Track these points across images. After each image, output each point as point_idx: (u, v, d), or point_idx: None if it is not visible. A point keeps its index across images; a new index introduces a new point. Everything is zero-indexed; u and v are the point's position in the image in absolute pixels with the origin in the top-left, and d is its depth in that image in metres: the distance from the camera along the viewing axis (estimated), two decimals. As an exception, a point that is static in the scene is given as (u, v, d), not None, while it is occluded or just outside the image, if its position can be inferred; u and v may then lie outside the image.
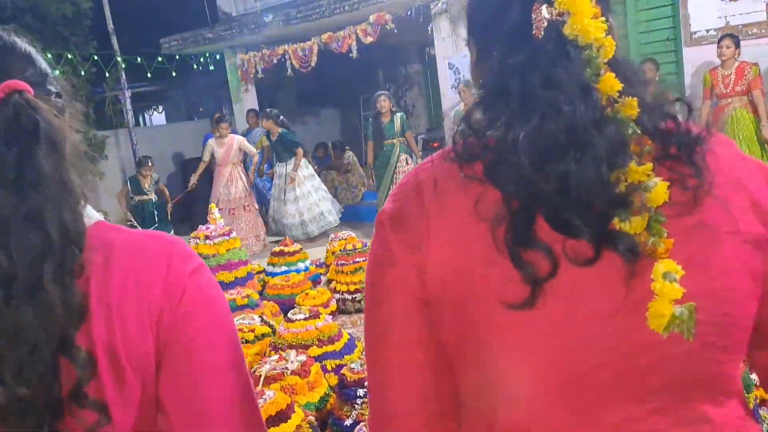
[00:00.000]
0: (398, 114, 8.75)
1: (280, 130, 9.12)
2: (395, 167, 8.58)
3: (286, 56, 11.06)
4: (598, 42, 0.83)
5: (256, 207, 9.50)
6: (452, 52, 9.68)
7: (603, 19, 0.84)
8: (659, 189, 0.79)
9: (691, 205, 0.83)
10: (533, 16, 0.87)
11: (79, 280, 0.85)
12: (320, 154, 12.68)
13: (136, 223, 8.42)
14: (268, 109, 9.56)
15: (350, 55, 10.20)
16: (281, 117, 9.25)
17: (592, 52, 0.83)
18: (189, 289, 0.94)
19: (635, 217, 0.80)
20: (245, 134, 10.58)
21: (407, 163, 8.67)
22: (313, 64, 10.82)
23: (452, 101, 9.72)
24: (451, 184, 0.90)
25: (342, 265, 5.47)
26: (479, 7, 0.97)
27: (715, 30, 7.49)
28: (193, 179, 9.41)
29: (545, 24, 0.86)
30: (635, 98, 0.82)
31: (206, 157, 9.28)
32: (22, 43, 0.95)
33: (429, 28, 9.81)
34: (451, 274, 0.87)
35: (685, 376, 0.86)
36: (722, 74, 6.99)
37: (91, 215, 0.96)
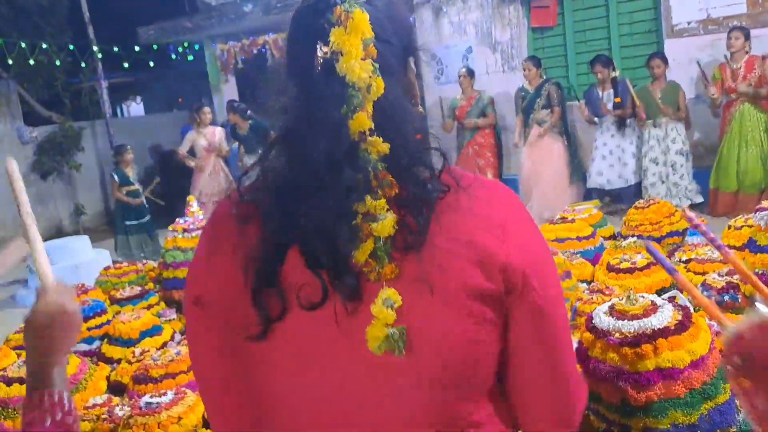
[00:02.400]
0: None
1: (249, 122, 8.98)
2: None
3: (266, 46, 10.96)
4: (362, 81, 0.90)
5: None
6: (435, 43, 9.63)
7: (371, 61, 0.91)
8: (387, 222, 0.88)
9: (414, 252, 0.90)
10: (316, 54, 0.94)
11: None
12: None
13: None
14: (234, 103, 9.29)
15: (331, 45, 10.10)
16: (248, 111, 9.09)
17: (355, 91, 0.90)
18: None
19: (363, 245, 0.89)
20: (225, 125, 10.46)
21: None
22: (293, 54, 10.70)
23: (435, 92, 9.69)
24: (227, 222, 1.01)
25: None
26: (289, 43, 1.02)
27: (696, 22, 7.51)
28: (182, 155, 9.04)
29: (320, 61, 0.93)
30: (380, 138, 0.89)
31: (184, 148, 8.89)
32: None
33: (411, 18, 9.76)
34: (220, 303, 1.01)
35: (415, 408, 0.95)
36: (731, 68, 6.80)
37: None
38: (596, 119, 7.70)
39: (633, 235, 5.06)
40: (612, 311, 1.79)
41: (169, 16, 12.01)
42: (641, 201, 6.08)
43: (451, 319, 0.92)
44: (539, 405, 1.05)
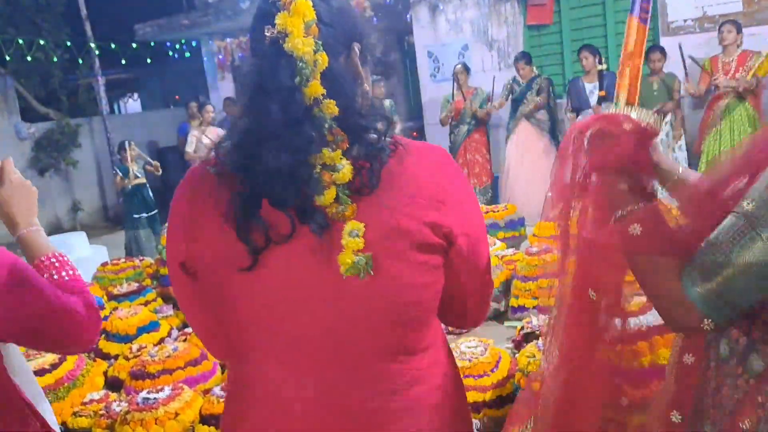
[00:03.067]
0: (387, 101, 8.67)
1: None
2: None
3: (263, 43, 10.94)
4: (308, 56, 1.06)
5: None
6: (431, 40, 9.64)
7: (313, 38, 1.07)
8: (345, 170, 1.06)
9: (369, 191, 1.08)
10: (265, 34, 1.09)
11: None
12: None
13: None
14: (233, 97, 9.30)
15: (328, 42, 10.11)
16: None
17: (303, 63, 1.06)
18: None
19: (326, 191, 1.05)
20: (221, 123, 10.46)
21: None
22: (290, 51, 10.71)
23: (431, 90, 9.70)
24: (204, 182, 1.17)
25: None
26: (251, 30, 1.19)
27: (692, 20, 7.52)
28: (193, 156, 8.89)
29: (268, 41, 1.08)
30: (333, 101, 1.06)
31: (192, 148, 8.62)
32: None
33: (408, 16, 9.77)
34: (198, 250, 1.16)
35: (378, 338, 1.13)
36: (723, 61, 6.75)
37: None
38: (573, 113, 7.59)
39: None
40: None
41: (167, 12, 11.99)
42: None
43: (404, 268, 1.11)
44: (472, 307, 1.33)
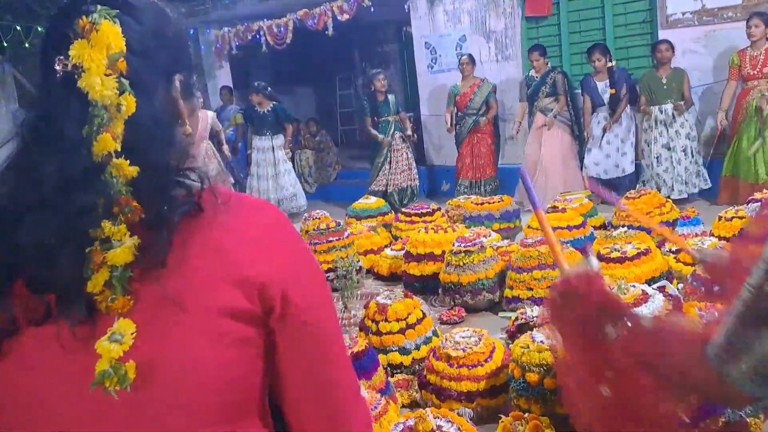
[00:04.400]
0: (390, 95, 8.69)
1: (272, 103, 9.05)
2: (390, 144, 8.55)
3: (261, 33, 10.93)
4: (106, 99, 0.85)
5: (232, 182, 9.39)
6: (429, 32, 9.62)
7: (120, 75, 0.86)
8: (124, 249, 0.83)
9: (158, 274, 0.85)
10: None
11: None
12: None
13: None
14: (256, 83, 9.34)
15: (326, 32, 10.11)
16: (269, 89, 9.17)
17: (98, 109, 0.84)
18: None
19: (96, 275, 0.83)
20: (219, 111, 10.45)
21: (404, 141, 8.66)
22: (288, 41, 10.71)
23: (429, 81, 9.69)
24: None
25: (315, 244, 5.44)
26: (42, 48, 0.94)
27: (691, 13, 7.51)
28: None
29: (60, 75, 0.87)
30: (126, 161, 0.84)
31: None
32: None
33: (406, 7, 9.75)
34: None
35: None
36: (750, 55, 6.72)
37: None
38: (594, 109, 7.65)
39: (624, 225, 5.11)
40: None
41: (164, 1, 11.92)
42: (632, 191, 6.13)
43: (204, 342, 0.88)
44: (312, 427, 1.01)
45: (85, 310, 0.84)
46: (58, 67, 0.87)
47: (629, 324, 1.12)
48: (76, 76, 0.86)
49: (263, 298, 0.91)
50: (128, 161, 0.85)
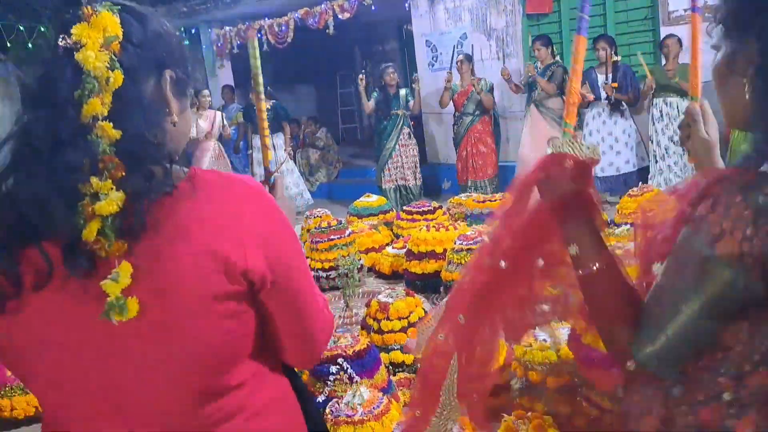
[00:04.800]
0: (403, 89, 8.64)
1: (271, 101, 9.02)
2: (397, 139, 8.51)
3: (262, 32, 10.92)
4: (98, 71, 0.98)
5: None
6: (430, 29, 9.61)
7: (113, 54, 1.00)
8: (110, 201, 0.94)
9: (139, 233, 0.97)
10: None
11: None
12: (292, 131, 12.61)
13: None
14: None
15: (327, 31, 10.10)
16: (269, 88, 9.15)
17: (90, 78, 0.97)
18: None
19: (90, 223, 0.94)
20: (221, 110, 10.45)
21: (410, 138, 8.62)
22: (289, 40, 10.71)
23: (429, 79, 9.67)
24: None
25: (317, 242, 5.43)
26: (52, 38, 1.07)
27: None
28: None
29: (61, 50, 1.01)
30: (111, 123, 0.96)
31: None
32: None
33: (406, 5, 9.74)
34: None
35: (173, 389, 1.05)
36: None
37: None
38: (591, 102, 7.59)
39: (626, 223, 5.10)
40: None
41: (166, 0, 11.92)
42: (635, 189, 6.12)
43: (193, 322, 1.01)
44: (294, 351, 1.23)
45: (86, 260, 0.95)
46: (60, 43, 1.00)
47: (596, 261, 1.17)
48: (75, 51, 0.99)
49: (249, 280, 1.05)
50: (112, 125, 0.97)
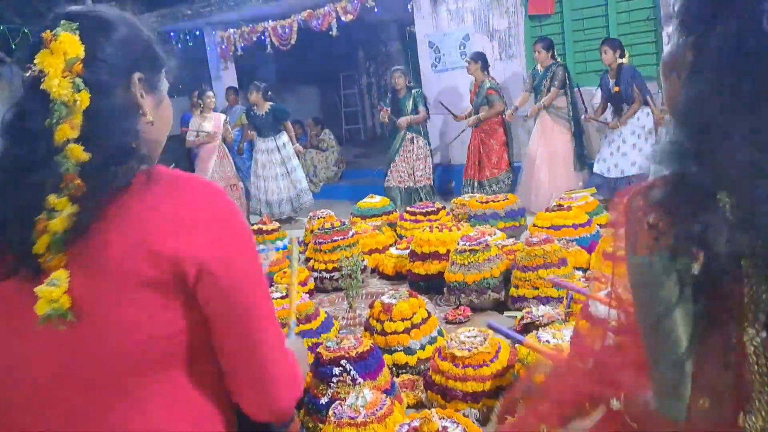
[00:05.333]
0: (414, 90, 8.59)
1: (269, 104, 9.01)
2: (403, 139, 8.47)
3: (266, 34, 10.94)
4: (64, 97, 1.03)
5: (242, 185, 9.37)
6: (432, 31, 9.62)
7: (76, 76, 1.05)
8: (60, 219, 1.01)
9: (84, 241, 1.03)
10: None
11: None
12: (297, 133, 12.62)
13: None
14: (256, 82, 9.22)
15: (330, 33, 10.12)
16: (269, 92, 9.14)
17: (58, 105, 1.03)
18: None
19: (41, 238, 1.02)
20: (225, 112, 10.46)
21: (412, 142, 8.50)
22: (292, 42, 10.73)
23: (433, 80, 9.68)
24: None
25: (320, 243, 5.44)
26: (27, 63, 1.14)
27: (694, 10, 7.46)
28: (197, 142, 8.92)
29: (28, 81, 1.08)
30: (79, 146, 1.02)
31: (193, 136, 8.76)
32: None
33: (409, 6, 9.75)
34: None
35: (95, 387, 1.09)
36: None
37: None
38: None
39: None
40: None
41: (170, 2, 11.96)
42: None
43: (123, 305, 1.04)
44: (246, 395, 1.18)
45: (32, 268, 1.03)
46: (26, 74, 1.08)
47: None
48: (41, 80, 1.05)
49: (176, 270, 1.05)
50: (83, 147, 1.03)
